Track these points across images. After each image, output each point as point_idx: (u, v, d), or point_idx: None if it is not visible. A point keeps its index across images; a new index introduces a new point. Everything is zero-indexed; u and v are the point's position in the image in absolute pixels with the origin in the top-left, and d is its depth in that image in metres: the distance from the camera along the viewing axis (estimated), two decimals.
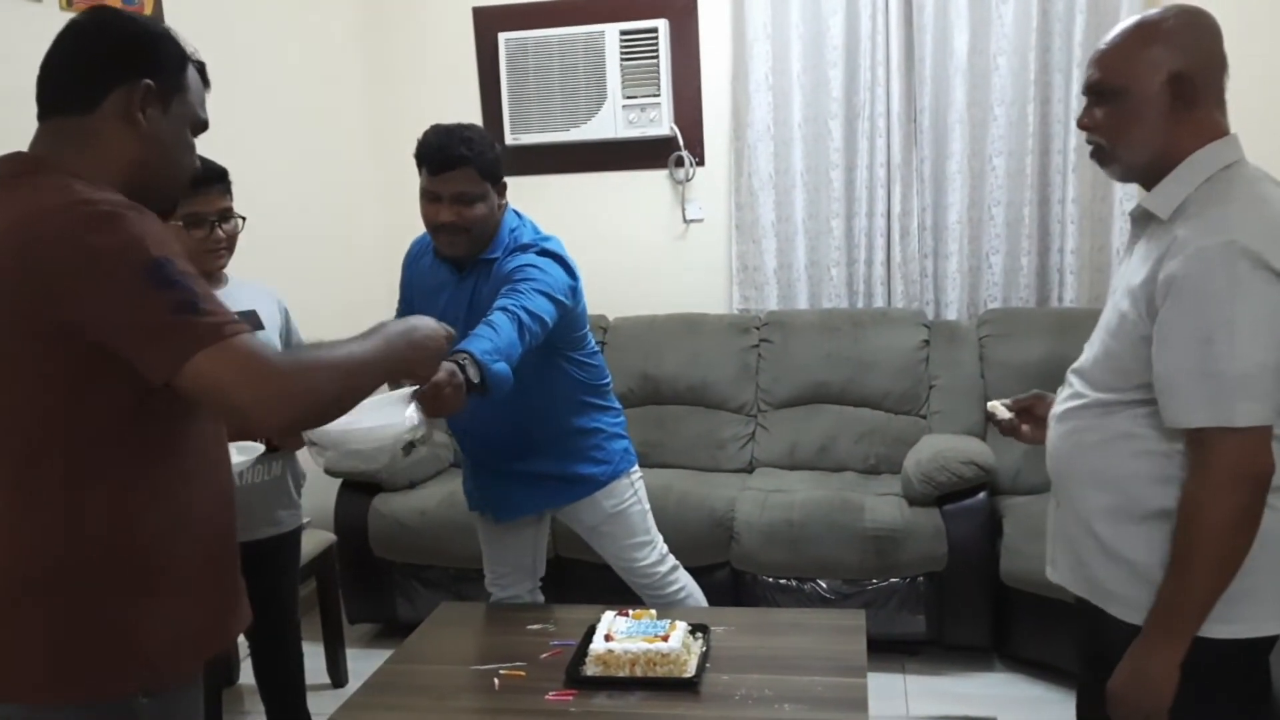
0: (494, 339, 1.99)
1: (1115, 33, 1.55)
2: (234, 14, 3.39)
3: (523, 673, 2.18)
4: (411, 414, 1.75)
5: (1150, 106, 1.50)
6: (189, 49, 1.43)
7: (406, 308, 2.54)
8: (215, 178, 2.24)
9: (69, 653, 1.27)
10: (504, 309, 2.09)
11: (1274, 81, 3.49)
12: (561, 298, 2.22)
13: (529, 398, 2.23)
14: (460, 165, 2.22)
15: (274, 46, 3.61)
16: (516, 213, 2.42)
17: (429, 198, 2.29)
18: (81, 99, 1.34)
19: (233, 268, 2.49)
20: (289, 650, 2.58)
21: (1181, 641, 1.47)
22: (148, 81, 1.33)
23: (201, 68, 1.48)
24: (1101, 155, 1.59)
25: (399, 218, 4.34)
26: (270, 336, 2.38)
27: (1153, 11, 1.54)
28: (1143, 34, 1.51)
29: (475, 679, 2.17)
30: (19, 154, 1.35)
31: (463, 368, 1.86)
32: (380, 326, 1.48)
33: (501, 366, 1.96)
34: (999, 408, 1.90)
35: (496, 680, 2.15)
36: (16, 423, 1.25)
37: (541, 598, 2.70)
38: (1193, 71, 1.48)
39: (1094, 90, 1.56)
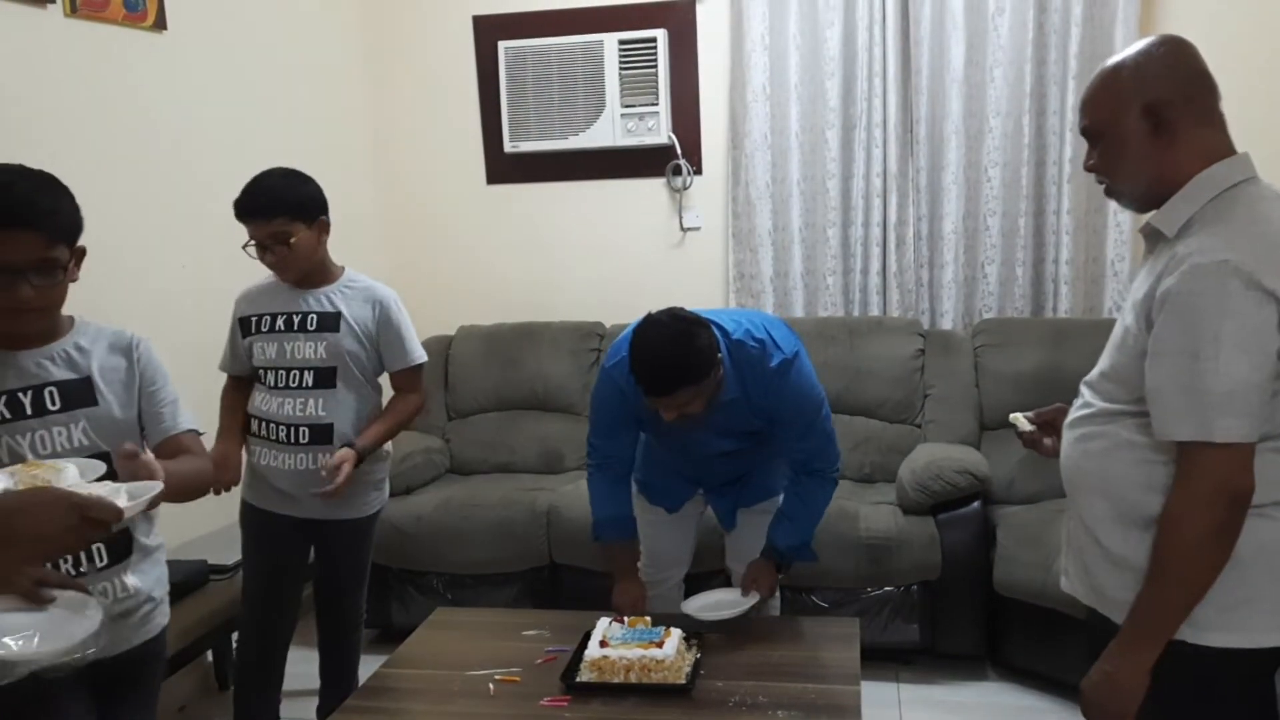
0: (805, 529, 2.46)
1: (1092, 79, 1.62)
2: (236, 21, 3.41)
3: (517, 678, 2.19)
4: (93, 619, 1.48)
5: (1131, 140, 1.55)
6: None
7: (631, 424, 2.48)
8: (256, 211, 2.40)
9: None
10: (822, 475, 2.45)
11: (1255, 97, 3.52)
12: (827, 405, 2.44)
13: (759, 452, 2.51)
14: (679, 390, 2.15)
15: (275, 53, 3.63)
16: (727, 346, 2.29)
17: (648, 401, 2.22)
18: None
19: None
20: (349, 636, 2.77)
21: (1152, 648, 1.49)
22: None
23: None
24: (1111, 192, 1.65)
25: (399, 224, 4.37)
26: (343, 340, 2.51)
27: (1120, 53, 1.60)
28: (1110, 75, 1.57)
29: (470, 684, 2.18)
30: None
31: (778, 558, 2.46)
32: None
33: (807, 554, 2.50)
34: (1021, 420, 1.91)
35: (491, 686, 2.17)
36: None
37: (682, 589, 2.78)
38: (1166, 100, 1.51)
39: (1085, 135, 1.62)
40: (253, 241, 2.42)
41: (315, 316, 2.51)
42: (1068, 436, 1.69)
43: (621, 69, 3.91)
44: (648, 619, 2.30)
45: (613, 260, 4.21)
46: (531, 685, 2.15)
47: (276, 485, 2.54)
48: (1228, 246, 1.42)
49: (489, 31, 4.12)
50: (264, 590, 2.65)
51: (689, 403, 2.17)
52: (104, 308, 2.83)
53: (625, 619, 2.30)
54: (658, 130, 3.95)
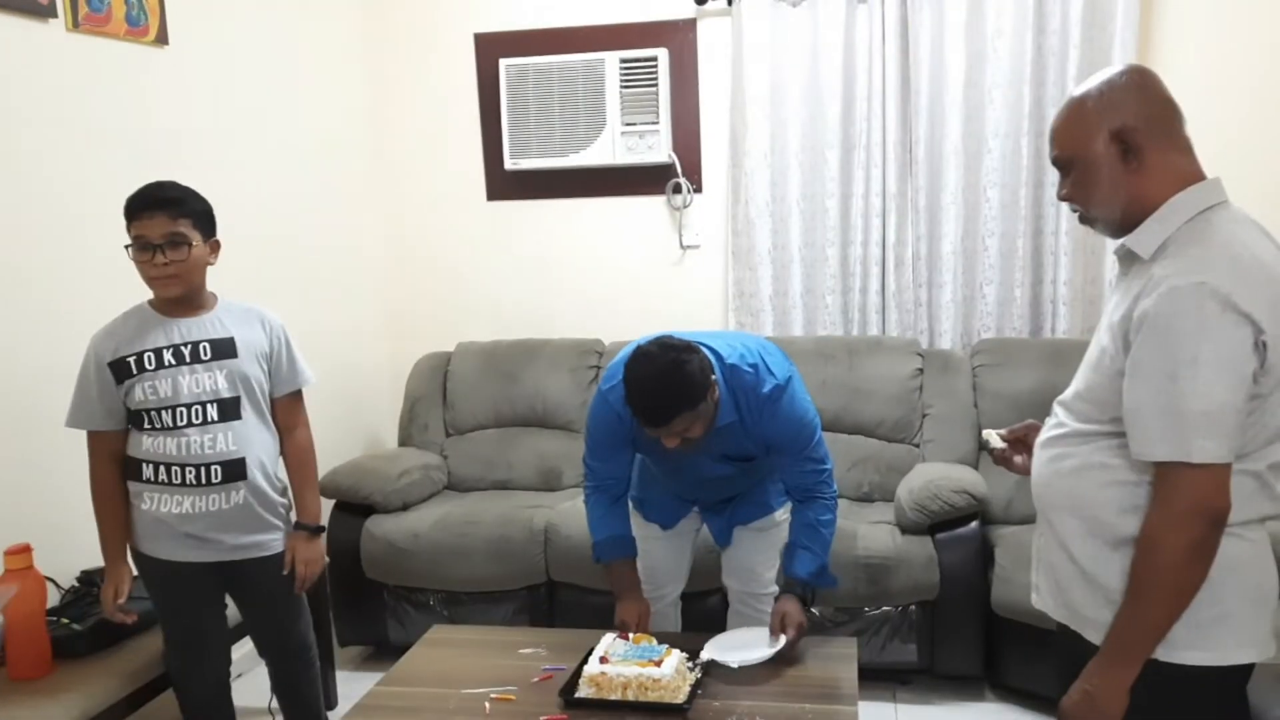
0: (820, 554, 2.41)
1: (1059, 109, 1.65)
2: (238, 36, 3.42)
3: (513, 697, 2.19)
4: None
5: (1102, 167, 1.57)
6: None
7: (627, 447, 2.47)
8: (159, 203, 2.24)
9: None
10: (823, 500, 2.42)
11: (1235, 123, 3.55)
12: (820, 430, 2.44)
13: (755, 473, 2.49)
14: (677, 417, 2.16)
15: (277, 71, 3.65)
16: (722, 370, 2.29)
17: (648, 431, 2.23)
18: None
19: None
20: (304, 673, 2.63)
21: (1132, 666, 1.51)
22: None
23: None
24: (1085, 219, 1.67)
25: (400, 242, 4.38)
26: (243, 365, 2.38)
27: (1085, 83, 1.63)
28: (1076, 105, 1.60)
29: (466, 703, 2.18)
30: None
31: (802, 589, 2.39)
32: None
33: (828, 579, 2.45)
34: (993, 436, 1.94)
35: (487, 704, 2.16)
36: None
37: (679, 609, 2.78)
38: (1132, 125, 1.54)
39: (1056, 165, 1.66)
40: (133, 244, 2.25)
41: (208, 345, 2.33)
42: (1040, 456, 1.71)
43: (622, 87, 3.93)
44: (653, 637, 2.30)
45: (612, 277, 4.21)
46: (527, 704, 2.15)
47: (185, 531, 2.33)
48: (1204, 269, 1.44)
49: (490, 49, 4.14)
50: (192, 645, 2.44)
51: (688, 428, 2.18)
52: (105, 315, 2.84)
53: (630, 635, 2.30)
54: (658, 148, 3.97)
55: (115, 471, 2.34)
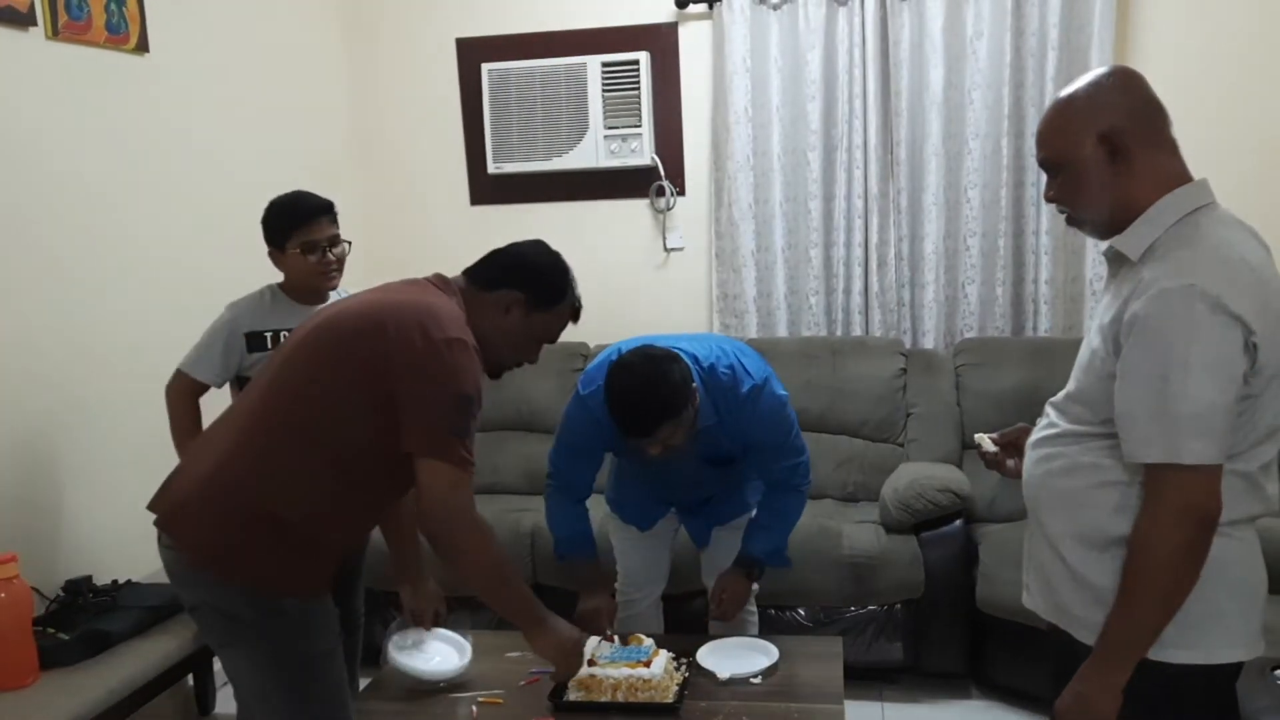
0: (779, 536, 2.51)
1: (1046, 111, 1.65)
2: (219, 43, 3.41)
3: (500, 700, 2.19)
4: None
5: (1090, 169, 1.57)
6: (575, 294, 2.13)
7: (598, 453, 2.51)
8: (321, 210, 2.53)
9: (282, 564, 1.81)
10: (795, 489, 2.50)
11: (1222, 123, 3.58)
12: (797, 423, 2.49)
13: (734, 474, 2.54)
14: (659, 428, 2.18)
15: (258, 77, 3.64)
16: (700, 373, 2.32)
17: (631, 441, 2.25)
18: (488, 282, 1.99)
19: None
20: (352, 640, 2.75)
21: (1124, 667, 1.51)
22: (521, 294, 1.97)
23: (576, 311, 2.14)
24: (1072, 221, 1.67)
25: (383, 245, 4.37)
26: None
27: (1071, 85, 1.63)
28: (1063, 108, 1.60)
29: (453, 706, 2.18)
30: (447, 277, 2.02)
31: (752, 566, 2.50)
32: (544, 612, 1.99)
33: (781, 559, 2.54)
34: (985, 440, 1.95)
35: (474, 707, 2.16)
36: (319, 420, 1.79)
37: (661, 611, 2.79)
38: (1119, 127, 1.54)
39: (1043, 166, 1.65)
40: (301, 247, 2.48)
41: None
42: (1031, 456, 1.71)
43: (605, 91, 3.94)
44: (642, 638, 2.31)
45: (596, 281, 4.17)
46: (515, 707, 2.15)
47: None
48: (1193, 271, 1.45)
49: (472, 54, 4.15)
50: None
51: (671, 436, 2.20)
52: (88, 325, 2.83)
53: (615, 637, 2.31)
54: (641, 152, 3.98)
55: (195, 411, 2.52)
